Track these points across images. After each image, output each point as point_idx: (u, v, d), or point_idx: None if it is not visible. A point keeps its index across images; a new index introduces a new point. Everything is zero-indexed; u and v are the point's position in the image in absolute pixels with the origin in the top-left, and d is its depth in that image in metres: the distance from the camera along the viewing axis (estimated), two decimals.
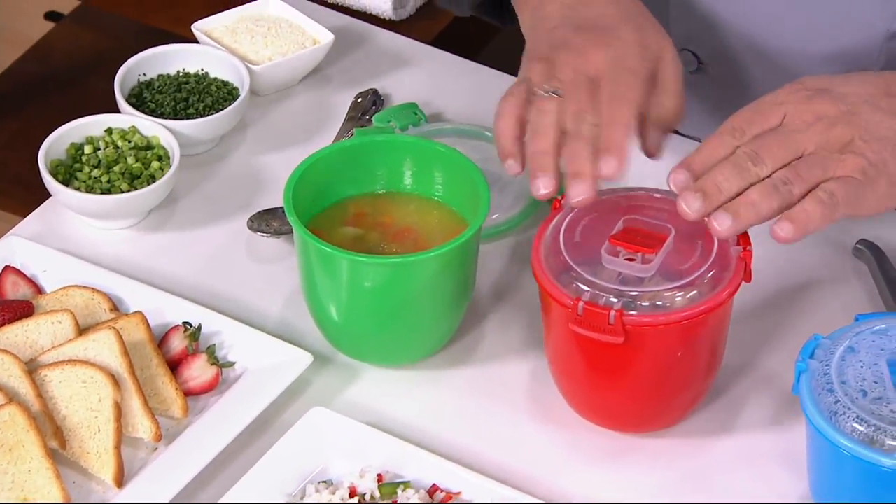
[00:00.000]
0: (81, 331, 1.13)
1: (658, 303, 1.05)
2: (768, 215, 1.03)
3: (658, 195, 1.11)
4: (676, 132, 1.38)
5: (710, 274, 1.06)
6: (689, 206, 1.03)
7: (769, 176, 1.03)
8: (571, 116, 1.08)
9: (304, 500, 1.05)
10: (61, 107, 1.70)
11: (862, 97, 1.06)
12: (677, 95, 1.12)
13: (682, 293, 1.05)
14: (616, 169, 1.06)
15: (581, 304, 1.05)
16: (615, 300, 1.05)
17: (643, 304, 1.05)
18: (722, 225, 1.03)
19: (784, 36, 1.26)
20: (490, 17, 1.36)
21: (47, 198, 1.26)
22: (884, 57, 1.24)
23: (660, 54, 1.12)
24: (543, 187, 1.07)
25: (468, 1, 1.31)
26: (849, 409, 0.99)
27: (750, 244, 1.08)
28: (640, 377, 1.08)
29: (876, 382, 1.00)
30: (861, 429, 0.98)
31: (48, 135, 1.25)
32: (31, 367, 1.11)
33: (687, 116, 1.36)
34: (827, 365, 1.01)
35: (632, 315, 1.04)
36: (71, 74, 1.77)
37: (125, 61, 1.31)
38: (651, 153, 1.14)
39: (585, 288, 1.06)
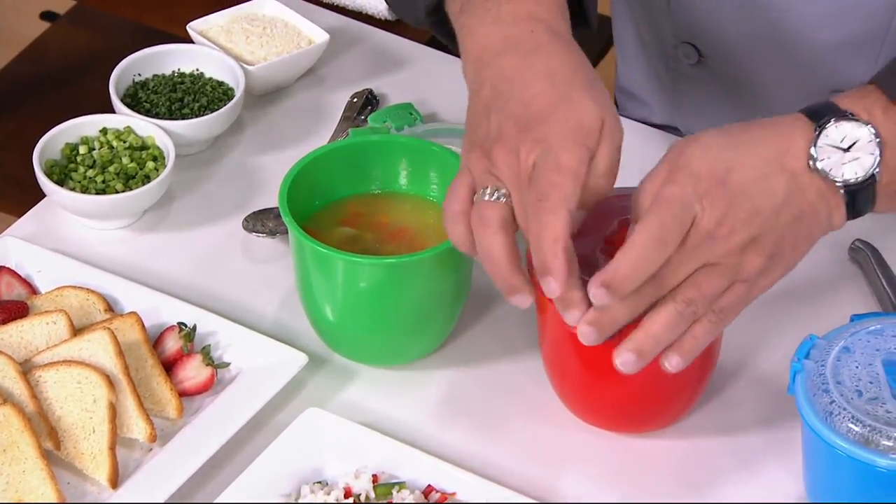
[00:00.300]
0: (76, 331, 1.13)
1: None
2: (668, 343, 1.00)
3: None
4: (675, 129, 1.38)
5: None
6: (587, 338, 0.99)
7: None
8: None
9: (300, 501, 1.05)
10: (56, 107, 1.70)
11: (760, 189, 0.99)
12: (607, 175, 1.04)
13: None
14: (556, 289, 0.99)
15: None
16: None
17: None
18: (626, 365, 1.00)
19: (786, 27, 1.25)
20: (440, 36, 1.25)
21: (42, 198, 1.26)
22: (888, 44, 1.24)
23: (597, 129, 1.03)
24: (521, 304, 1.02)
25: (422, 9, 1.18)
26: (844, 409, 0.99)
27: None
28: (635, 378, 1.07)
29: (871, 383, 1.00)
30: (856, 429, 0.98)
31: (43, 135, 1.25)
32: (26, 368, 1.11)
33: (687, 109, 1.36)
34: (822, 365, 1.01)
35: None
36: (66, 74, 1.77)
37: (120, 61, 1.31)
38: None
39: None
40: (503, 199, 1.02)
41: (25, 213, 1.26)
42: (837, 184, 1.02)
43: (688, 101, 1.35)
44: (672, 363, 1.01)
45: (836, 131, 1.02)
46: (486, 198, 1.02)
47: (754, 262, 1.00)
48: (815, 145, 1.02)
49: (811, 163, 1.02)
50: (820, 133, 1.02)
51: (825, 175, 1.01)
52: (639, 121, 1.35)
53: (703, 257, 0.99)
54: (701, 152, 1.01)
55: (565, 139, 1.02)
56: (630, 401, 1.09)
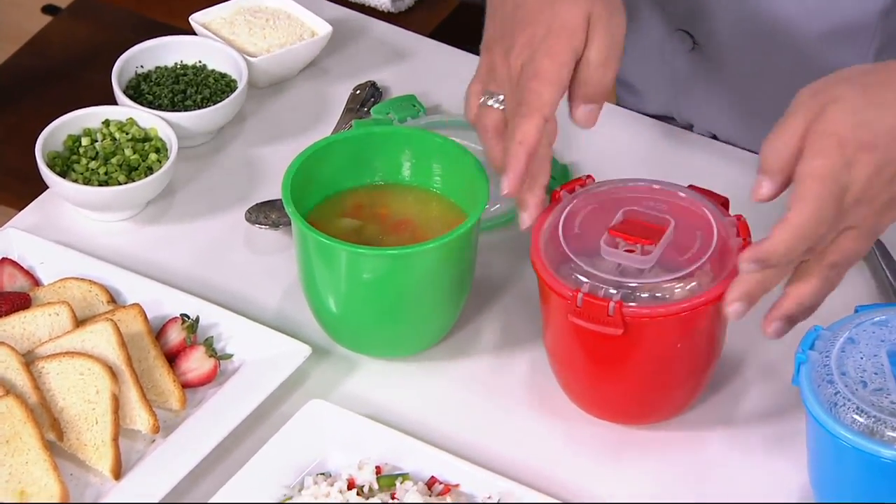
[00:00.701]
0: (79, 322, 1.13)
1: (657, 294, 1.05)
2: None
3: (657, 186, 1.11)
4: (672, 119, 1.38)
5: (709, 265, 1.06)
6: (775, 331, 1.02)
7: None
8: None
9: (303, 492, 1.05)
10: (58, 100, 1.69)
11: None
12: (598, 66, 1.07)
13: (681, 285, 1.05)
14: (507, 187, 1.05)
15: (580, 295, 1.04)
16: (614, 291, 1.04)
17: (642, 295, 1.04)
18: (777, 333, 1.02)
19: (779, 15, 1.25)
20: None
21: (44, 191, 1.26)
22: (879, 34, 1.24)
23: (581, 26, 1.07)
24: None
25: None
26: (849, 400, 0.99)
27: (750, 236, 1.07)
28: (639, 369, 1.08)
29: (876, 373, 1.00)
30: (861, 420, 0.98)
31: (45, 128, 1.25)
32: (29, 359, 1.10)
33: (683, 95, 1.36)
34: (827, 356, 1.01)
35: (631, 306, 1.04)
36: (68, 68, 1.77)
37: (122, 54, 1.30)
38: (580, 124, 1.10)
39: (584, 279, 1.05)
40: (501, 107, 1.08)
41: (27, 206, 1.26)
42: None
43: (684, 88, 1.34)
44: (777, 329, 1.02)
45: None
46: (489, 104, 1.08)
47: (887, 219, 1.01)
48: None
49: None
50: None
51: None
52: (634, 111, 1.35)
53: (849, 222, 1.00)
54: (841, 115, 0.99)
55: (548, 42, 1.06)
56: (634, 392, 1.09)
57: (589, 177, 1.12)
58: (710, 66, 1.32)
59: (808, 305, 1.02)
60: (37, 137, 1.24)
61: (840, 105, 0.99)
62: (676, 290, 1.05)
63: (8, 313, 1.13)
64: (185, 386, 1.12)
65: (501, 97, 1.09)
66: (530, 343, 1.16)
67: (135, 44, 1.31)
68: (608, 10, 1.07)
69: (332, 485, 1.05)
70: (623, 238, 1.06)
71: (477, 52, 1.38)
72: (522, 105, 1.06)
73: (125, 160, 1.24)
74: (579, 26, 1.07)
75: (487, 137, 1.10)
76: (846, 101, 1.00)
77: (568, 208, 1.09)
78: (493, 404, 1.12)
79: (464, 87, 1.33)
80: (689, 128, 1.36)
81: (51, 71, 1.77)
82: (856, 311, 1.04)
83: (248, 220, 1.23)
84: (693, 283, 1.05)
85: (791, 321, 1.02)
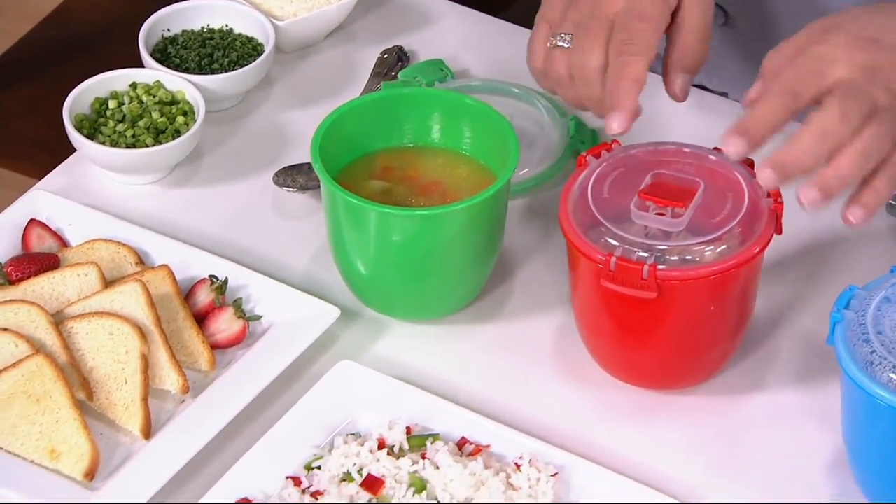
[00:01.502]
0: (107, 283, 1.13)
1: (688, 257, 1.04)
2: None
3: (687, 149, 1.10)
4: (705, 88, 1.37)
5: (740, 228, 1.05)
6: (806, 197, 1.00)
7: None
8: (576, 63, 1.08)
9: (333, 452, 1.05)
10: (81, 72, 1.68)
11: None
12: (697, 33, 1.10)
13: (711, 247, 1.04)
14: (621, 126, 1.06)
15: (614, 259, 1.03)
16: (646, 255, 1.04)
17: (672, 258, 1.04)
18: (811, 201, 1.01)
19: None
20: None
21: (68, 159, 1.25)
22: None
23: None
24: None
25: None
26: (885, 359, 0.98)
27: (781, 196, 1.07)
28: (671, 333, 1.07)
29: None
30: None
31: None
32: (58, 319, 1.10)
33: (715, 70, 1.35)
34: (863, 315, 1.00)
35: (664, 269, 1.03)
36: (90, 40, 1.76)
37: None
38: (676, 96, 1.13)
39: (615, 243, 1.04)
40: (569, 45, 1.08)
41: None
42: None
43: (714, 64, 1.33)
44: (856, 215, 1.02)
45: None
46: (559, 44, 1.09)
47: None
48: None
49: None
50: None
51: None
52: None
53: (871, 98, 0.99)
54: (849, 21, 1.02)
55: None
56: (665, 357, 1.09)
57: (615, 141, 1.11)
58: (743, 38, 1.31)
59: (845, 179, 1.00)
60: (60, 109, 1.23)
61: (845, 14, 1.03)
62: (707, 253, 1.04)
63: (37, 274, 1.13)
64: (215, 347, 1.11)
65: (569, 37, 1.09)
66: (559, 308, 1.15)
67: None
68: None
69: (362, 444, 1.05)
70: (654, 201, 1.05)
71: (504, 17, 1.38)
72: (632, 44, 1.06)
73: (152, 123, 1.23)
74: None
75: (562, 82, 1.10)
76: (849, 12, 1.03)
77: (597, 172, 1.09)
78: (522, 368, 1.12)
79: (491, 52, 1.33)
80: (724, 95, 1.35)
81: (73, 43, 1.76)
82: (892, 271, 1.04)
83: (275, 183, 1.23)
84: (723, 246, 1.04)
85: (827, 192, 1.00)
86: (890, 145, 1.01)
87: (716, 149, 1.09)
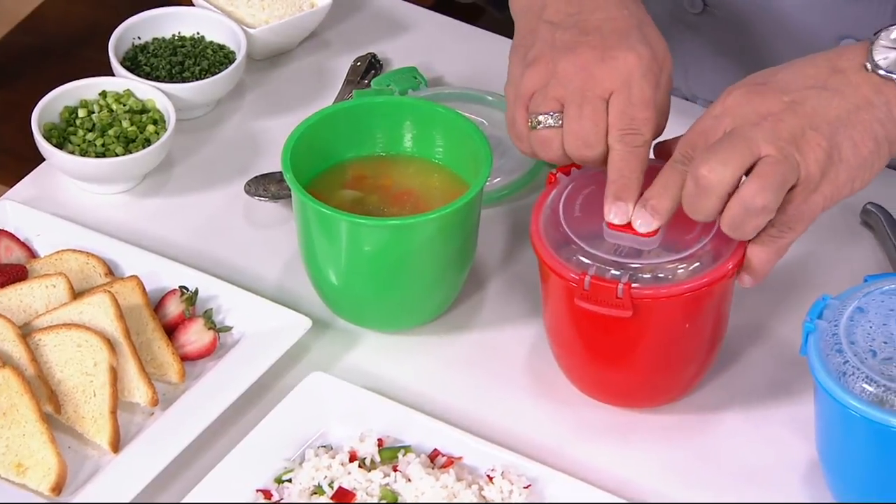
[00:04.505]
0: (76, 295, 1.12)
1: (661, 275, 1.03)
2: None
3: (657, 165, 1.09)
4: (676, 89, 1.36)
5: (713, 244, 1.04)
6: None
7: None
8: (573, 150, 1.05)
9: (304, 465, 1.04)
10: (55, 78, 1.67)
11: (804, 83, 1.02)
12: (667, 110, 1.07)
13: (685, 265, 1.03)
14: (627, 216, 1.03)
15: (588, 278, 1.02)
16: (619, 273, 1.03)
17: (645, 276, 1.03)
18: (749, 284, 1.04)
19: None
20: (487, 4, 1.33)
21: (39, 165, 1.24)
22: None
23: (667, 62, 1.07)
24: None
25: None
26: (858, 369, 0.97)
27: None
28: (644, 352, 1.06)
29: (885, 343, 0.99)
30: (870, 389, 0.97)
31: None
32: (25, 331, 1.09)
33: (691, 60, 1.34)
34: (835, 325, 1.00)
35: (638, 288, 1.02)
36: (65, 45, 1.75)
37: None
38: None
39: (588, 262, 1.03)
40: (559, 124, 1.05)
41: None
42: (894, 78, 1.01)
43: (689, 53, 1.32)
44: (745, 281, 1.04)
45: (892, 34, 1.02)
46: (543, 123, 1.05)
47: (812, 155, 0.99)
48: (871, 48, 1.02)
49: (867, 65, 1.02)
50: (878, 36, 1.02)
51: (881, 69, 1.01)
52: None
53: (751, 145, 0.99)
54: (740, 89, 1.02)
55: (645, 65, 1.05)
56: (638, 375, 1.07)
57: None
58: (719, 28, 1.29)
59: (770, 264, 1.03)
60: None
61: (747, 79, 1.04)
62: (680, 271, 1.03)
63: (4, 285, 1.12)
64: (185, 358, 1.10)
65: (557, 115, 1.05)
66: (532, 318, 1.14)
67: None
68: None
69: (333, 457, 1.04)
70: (622, 231, 1.04)
71: (479, 25, 1.37)
72: (638, 135, 1.04)
73: (122, 132, 1.22)
74: (666, 62, 1.07)
75: (557, 158, 1.06)
76: (752, 76, 1.04)
77: (567, 190, 1.08)
78: (495, 379, 1.11)
79: (466, 60, 1.32)
80: (694, 100, 1.34)
81: (47, 49, 1.75)
82: (864, 280, 1.03)
83: (247, 192, 1.22)
84: (697, 264, 1.03)
85: (757, 276, 1.03)
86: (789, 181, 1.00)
87: None
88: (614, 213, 1.03)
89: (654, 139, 1.06)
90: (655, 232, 1.03)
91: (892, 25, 1.03)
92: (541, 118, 1.06)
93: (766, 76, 1.03)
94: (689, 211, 1.01)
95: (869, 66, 1.02)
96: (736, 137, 1.00)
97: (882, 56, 1.02)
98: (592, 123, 1.04)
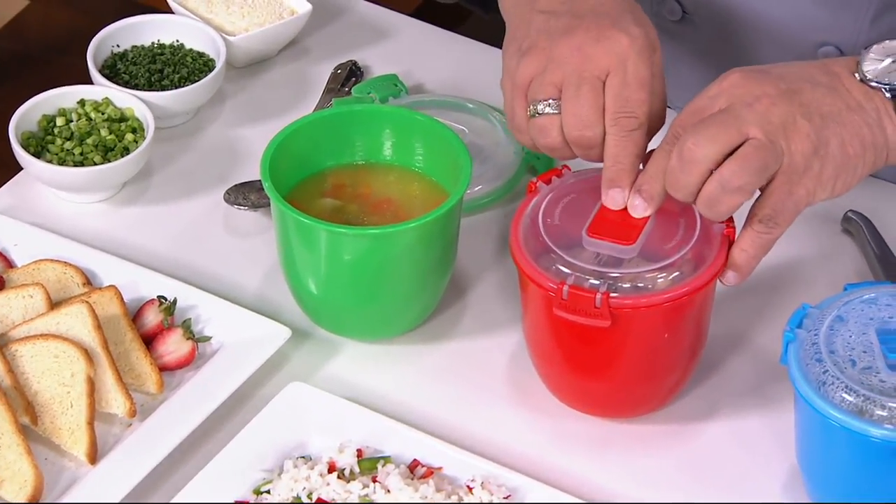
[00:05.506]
0: (53, 305, 1.11)
1: (640, 284, 1.02)
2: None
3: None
4: None
5: (693, 253, 1.04)
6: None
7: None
8: (572, 133, 1.05)
9: (283, 476, 1.03)
10: (35, 85, 1.67)
11: (801, 76, 1.03)
12: (665, 97, 1.08)
13: (664, 274, 1.03)
14: (624, 202, 1.04)
15: (566, 287, 1.02)
16: (597, 282, 1.02)
17: (625, 285, 1.02)
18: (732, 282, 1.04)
19: None
20: (472, 5, 1.32)
21: (18, 174, 1.24)
22: (877, 1, 1.22)
23: (656, 48, 1.08)
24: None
25: None
26: (837, 378, 0.97)
27: (733, 221, 1.05)
28: (624, 361, 1.05)
29: (865, 352, 0.98)
30: (850, 399, 0.96)
31: None
32: (2, 342, 1.08)
33: (670, 67, 1.34)
34: (815, 334, 0.99)
35: (617, 297, 1.02)
36: (46, 52, 1.75)
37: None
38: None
39: (567, 271, 1.03)
40: (558, 111, 1.05)
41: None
42: (885, 90, 1.02)
43: (668, 60, 1.32)
44: (729, 279, 1.04)
45: (883, 48, 1.03)
46: (541, 111, 1.05)
47: (800, 146, 1.00)
48: (861, 60, 1.03)
49: (856, 74, 1.03)
50: (869, 50, 1.03)
51: (870, 79, 1.02)
52: None
53: (741, 123, 1.00)
54: (739, 72, 1.03)
55: (639, 46, 1.05)
56: (618, 385, 1.07)
57: (566, 167, 1.10)
58: (698, 36, 1.29)
59: (757, 257, 1.03)
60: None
61: (738, 70, 1.04)
62: (659, 280, 1.03)
63: None
64: (163, 369, 1.10)
65: (554, 103, 1.05)
66: (512, 327, 1.14)
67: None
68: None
69: (312, 468, 1.03)
70: (602, 239, 1.03)
71: (460, 32, 1.36)
72: (633, 117, 1.04)
73: (101, 140, 1.21)
74: (657, 45, 1.08)
75: (557, 147, 1.06)
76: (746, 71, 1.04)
77: (547, 199, 1.07)
78: (475, 389, 1.11)
79: (447, 67, 1.32)
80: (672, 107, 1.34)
81: (28, 55, 1.75)
82: (844, 289, 1.03)
83: (226, 201, 1.21)
84: (676, 273, 1.03)
85: (741, 273, 1.03)
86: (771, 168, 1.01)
87: None
88: (610, 199, 1.04)
89: (653, 124, 1.06)
90: (636, 238, 1.03)
91: (884, 41, 1.04)
92: (539, 106, 1.06)
93: (763, 67, 1.04)
94: (670, 187, 1.02)
95: (857, 76, 1.03)
96: (727, 115, 1.01)
97: (871, 66, 1.03)
98: (590, 103, 1.05)
